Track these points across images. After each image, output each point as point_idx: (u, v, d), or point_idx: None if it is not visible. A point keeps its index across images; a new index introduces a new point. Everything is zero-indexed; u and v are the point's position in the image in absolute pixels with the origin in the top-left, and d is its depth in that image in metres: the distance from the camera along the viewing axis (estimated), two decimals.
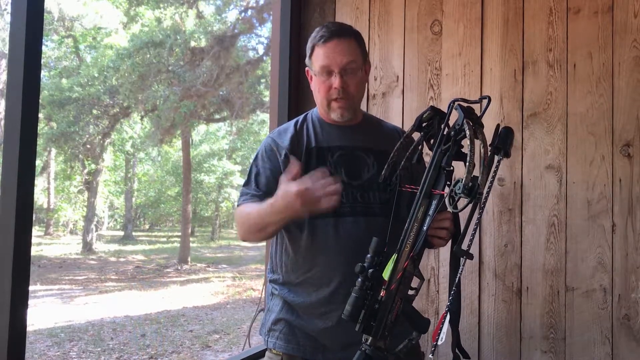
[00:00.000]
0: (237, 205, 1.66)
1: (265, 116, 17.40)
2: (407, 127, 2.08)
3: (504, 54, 2.34)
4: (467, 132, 1.29)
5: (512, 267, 2.28)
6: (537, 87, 2.28)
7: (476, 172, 1.28)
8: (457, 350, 1.40)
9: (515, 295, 2.27)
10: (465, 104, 1.37)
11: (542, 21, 2.29)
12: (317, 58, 1.60)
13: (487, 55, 2.37)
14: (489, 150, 1.32)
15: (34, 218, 1.58)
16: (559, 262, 2.21)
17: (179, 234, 18.61)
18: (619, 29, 2.18)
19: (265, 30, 13.51)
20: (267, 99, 13.09)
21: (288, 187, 1.38)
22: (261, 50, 14.23)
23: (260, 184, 1.62)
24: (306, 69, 1.69)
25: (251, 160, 1.71)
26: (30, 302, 1.54)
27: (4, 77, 13.26)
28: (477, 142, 1.29)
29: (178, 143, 18.35)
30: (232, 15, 13.98)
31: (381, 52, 2.55)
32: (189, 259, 15.83)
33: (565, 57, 2.25)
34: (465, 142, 1.32)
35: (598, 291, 2.15)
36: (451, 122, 1.40)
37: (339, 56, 1.57)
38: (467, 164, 1.25)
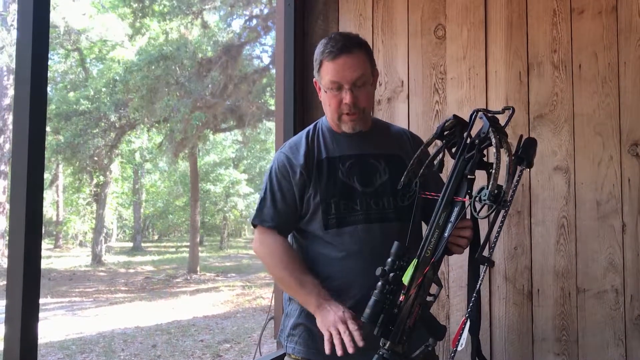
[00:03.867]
0: (254, 224, 1.68)
1: (272, 124, 17.43)
2: (412, 132, 2.08)
3: (509, 56, 2.34)
4: (493, 141, 1.29)
5: (522, 269, 2.27)
6: (543, 89, 2.28)
7: (500, 180, 1.28)
8: (477, 358, 1.39)
9: (526, 298, 2.26)
10: (489, 114, 1.37)
11: (546, 22, 2.29)
12: (326, 73, 1.59)
13: (492, 57, 2.37)
14: (512, 158, 1.32)
15: (43, 231, 1.58)
16: (570, 264, 2.20)
17: (188, 243, 18.64)
18: (624, 28, 2.17)
19: (269, 39, 13.57)
20: (272, 107, 13.12)
21: (333, 317, 1.48)
22: (266, 59, 14.30)
23: (277, 202, 1.65)
24: (314, 80, 1.69)
25: (265, 175, 1.72)
26: (41, 315, 1.55)
27: (12, 91, 13.38)
28: (502, 151, 1.29)
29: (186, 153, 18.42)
30: (236, 24, 14.06)
31: (385, 58, 2.55)
32: (198, 269, 15.85)
33: (570, 57, 2.25)
34: (488, 151, 1.32)
35: (610, 292, 2.14)
36: (473, 132, 1.40)
37: (348, 72, 1.56)
38: (493, 171, 1.25)
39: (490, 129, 1.32)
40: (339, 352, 1.41)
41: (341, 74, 1.56)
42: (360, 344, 1.39)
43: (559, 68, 2.26)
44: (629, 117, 2.15)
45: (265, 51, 14.63)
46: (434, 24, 2.47)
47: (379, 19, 2.58)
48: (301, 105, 2.60)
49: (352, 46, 1.59)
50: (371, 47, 2.54)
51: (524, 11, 2.32)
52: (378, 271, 1.33)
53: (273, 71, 12.48)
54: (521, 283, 2.27)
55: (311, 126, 1.75)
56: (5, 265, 1.57)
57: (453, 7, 2.44)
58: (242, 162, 23.91)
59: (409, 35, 2.52)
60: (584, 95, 2.21)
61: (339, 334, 1.42)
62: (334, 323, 1.45)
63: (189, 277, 14.94)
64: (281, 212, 1.65)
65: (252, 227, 1.73)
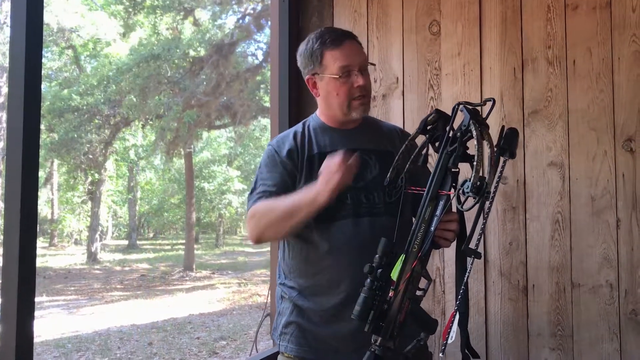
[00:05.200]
0: (249, 208, 1.63)
1: (267, 121, 17.42)
2: (407, 128, 2.09)
3: (503, 52, 2.34)
4: (474, 133, 1.29)
5: (517, 265, 2.28)
6: (537, 85, 2.28)
7: (482, 172, 1.28)
8: (466, 351, 1.40)
9: (522, 293, 2.26)
10: (470, 106, 1.37)
11: (540, 18, 2.29)
12: (334, 60, 1.61)
13: (487, 54, 2.37)
14: (495, 150, 1.33)
15: (38, 229, 1.58)
16: (565, 259, 2.21)
17: (183, 241, 18.62)
18: (618, 23, 2.18)
19: (263, 36, 13.55)
20: (267, 104, 13.11)
21: (332, 159, 1.45)
22: (260, 56, 14.27)
23: (268, 184, 1.62)
24: (307, 77, 1.69)
25: (255, 177, 1.70)
26: (37, 313, 1.54)
27: (5, 90, 13.32)
28: (484, 143, 1.30)
29: (180, 151, 18.38)
30: (229, 22, 14.03)
31: (380, 54, 2.55)
32: (194, 266, 15.83)
33: (564, 53, 2.25)
34: (471, 143, 1.32)
35: (604, 287, 2.15)
36: (455, 124, 1.40)
37: (356, 56, 1.62)
38: (475, 163, 1.25)
39: (470, 122, 1.32)
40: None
41: (351, 58, 1.61)
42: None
43: (553, 64, 2.26)
44: (623, 113, 2.15)
45: (260, 48, 14.63)
46: (428, 20, 2.47)
47: (374, 15, 2.57)
48: (296, 103, 2.59)
49: (349, 34, 1.67)
50: (366, 44, 2.57)
51: (518, 7, 2.33)
52: (366, 268, 1.33)
53: (268, 68, 12.46)
54: (516, 278, 2.27)
55: (299, 125, 1.74)
56: (0, 264, 1.57)
57: (447, 3, 2.44)
58: (237, 159, 23.85)
59: (404, 31, 2.52)
60: (578, 90, 2.22)
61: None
62: (331, 162, 1.45)
63: (184, 275, 14.92)
64: (276, 192, 1.61)
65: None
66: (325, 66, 1.62)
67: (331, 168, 1.45)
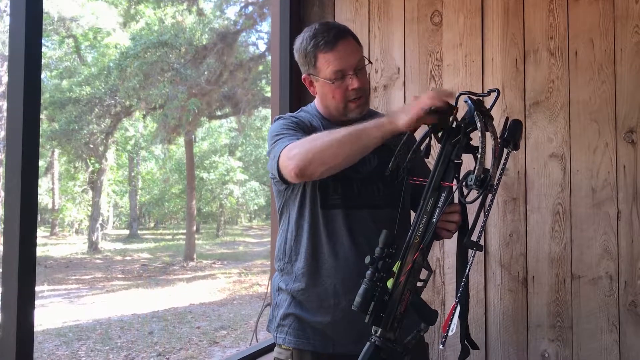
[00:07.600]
0: (282, 148, 1.49)
1: (267, 112, 17.38)
2: None
3: (505, 43, 2.33)
4: (478, 124, 1.28)
5: (517, 256, 2.28)
6: (539, 76, 2.27)
7: (486, 164, 1.27)
8: (465, 342, 1.40)
9: (521, 285, 2.27)
10: (474, 97, 1.36)
11: (542, 9, 2.28)
12: (327, 64, 1.57)
13: (488, 44, 2.36)
14: (498, 142, 1.32)
15: (39, 219, 1.58)
16: (565, 251, 2.21)
17: (184, 231, 18.64)
18: (620, 15, 2.17)
19: (265, 26, 13.50)
20: (268, 94, 13.07)
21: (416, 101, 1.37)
22: (262, 46, 14.24)
23: (297, 136, 1.53)
24: (303, 76, 1.66)
25: (272, 132, 1.61)
26: (38, 302, 1.55)
27: (6, 79, 13.30)
28: (487, 134, 1.29)
29: (181, 140, 18.36)
30: (231, 11, 13.99)
31: (382, 44, 2.54)
32: (195, 256, 15.87)
33: (566, 44, 2.24)
34: (475, 135, 1.31)
35: (604, 278, 2.15)
36: (459, 115, 1.39)
37: (350, 57, 1.57)
38: (479, 155, 1.24)
39: (475, 113, 1.31)
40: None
41: (344, 61, 1.56)
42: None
43: (555, 55, 2.25)
44: (625, 104, 2.15)
45: (261, 38, 14.59)
46: (430, 10, 2.46)
47: (375, 5, 2.56)
48: (297, 93, 2.59)
49: (344, 32, 1.60)
50: (367, 34, 2.55)
51: None
52: (367, 259, 1.33)
53: (269, 58, 12.42)
54: (516, 270, 2.28)
55: (300, 113, 1.72)
56: (1, 253, 1.57)
57: None
58: (238, 149, 23.81)
59: (405, 21, 2.50)
60: (580, 82, 2.21)
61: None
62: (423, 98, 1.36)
63: (185, 265, 14.97)
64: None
65: (273, 176, 1.59)
66: (319, 69, 1.59)
67: (410, 102, 1.36)
